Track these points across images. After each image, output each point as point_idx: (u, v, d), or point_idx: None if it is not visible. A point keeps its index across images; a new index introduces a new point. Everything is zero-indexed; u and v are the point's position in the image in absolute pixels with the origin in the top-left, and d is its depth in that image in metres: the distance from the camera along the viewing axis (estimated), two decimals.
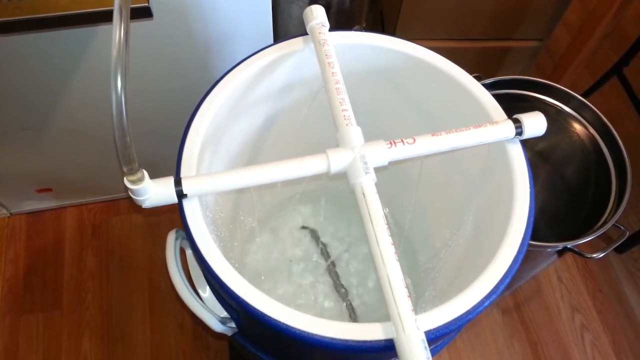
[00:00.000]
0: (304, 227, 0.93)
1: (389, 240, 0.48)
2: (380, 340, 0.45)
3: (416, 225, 0.85)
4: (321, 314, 0.84)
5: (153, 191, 0.49)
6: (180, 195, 0.51)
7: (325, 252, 0.90)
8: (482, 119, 0.59)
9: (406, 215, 0.84)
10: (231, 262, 0.50)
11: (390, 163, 0.54)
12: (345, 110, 0.56)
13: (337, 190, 0.93)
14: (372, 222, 0.49)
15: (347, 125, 0.55)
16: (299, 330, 0.45)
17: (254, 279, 0.85)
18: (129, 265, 1.16)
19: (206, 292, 0.66)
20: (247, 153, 0.74)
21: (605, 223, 0.81)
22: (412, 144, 0.54)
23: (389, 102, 0.74)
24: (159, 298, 1.12)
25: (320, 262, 0.89)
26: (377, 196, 0.51)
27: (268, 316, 0.46)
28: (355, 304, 0.85)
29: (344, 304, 0.85)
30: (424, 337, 0.43)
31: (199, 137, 0.56)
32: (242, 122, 0.68)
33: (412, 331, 0.43)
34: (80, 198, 1.21)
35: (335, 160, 0.52)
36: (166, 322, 1.09)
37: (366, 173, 0.52)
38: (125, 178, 0.47)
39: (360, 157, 0.53)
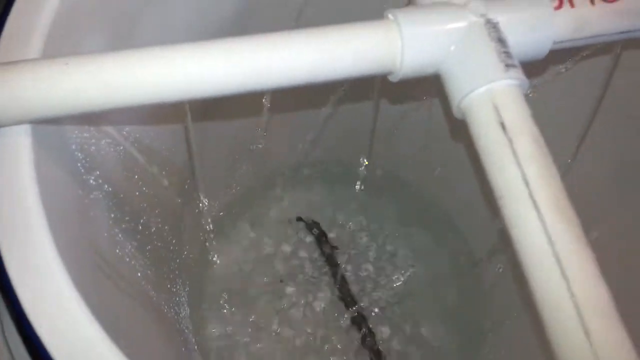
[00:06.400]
0: (299, 219, 0.60)
1: (583, 239, 0.16)
2: None
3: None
4: None
5: None
6: None
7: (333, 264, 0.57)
8: None
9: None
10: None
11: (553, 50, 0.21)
12: None
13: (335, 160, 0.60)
14: (532, 198, 0.16)
15: None
16: None
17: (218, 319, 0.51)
18: None
19: None
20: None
21: None
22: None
23: None
24: None
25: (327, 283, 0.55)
26: (537, 129, 0.18)
27: None
28: None
29: None
30: None
31: None
32: None
33: None
34: None
35: (414, 38, 0.19)
36: None
37: (506, 67, 0.19)
38: None
39: (487, 24, 0.19)
